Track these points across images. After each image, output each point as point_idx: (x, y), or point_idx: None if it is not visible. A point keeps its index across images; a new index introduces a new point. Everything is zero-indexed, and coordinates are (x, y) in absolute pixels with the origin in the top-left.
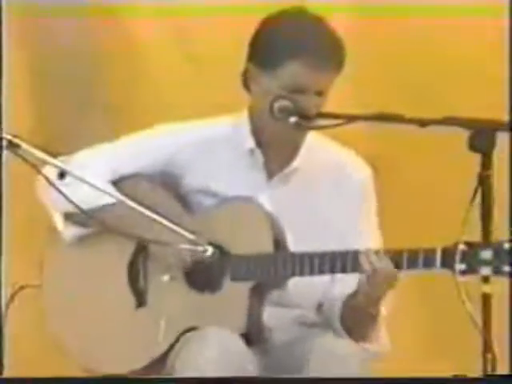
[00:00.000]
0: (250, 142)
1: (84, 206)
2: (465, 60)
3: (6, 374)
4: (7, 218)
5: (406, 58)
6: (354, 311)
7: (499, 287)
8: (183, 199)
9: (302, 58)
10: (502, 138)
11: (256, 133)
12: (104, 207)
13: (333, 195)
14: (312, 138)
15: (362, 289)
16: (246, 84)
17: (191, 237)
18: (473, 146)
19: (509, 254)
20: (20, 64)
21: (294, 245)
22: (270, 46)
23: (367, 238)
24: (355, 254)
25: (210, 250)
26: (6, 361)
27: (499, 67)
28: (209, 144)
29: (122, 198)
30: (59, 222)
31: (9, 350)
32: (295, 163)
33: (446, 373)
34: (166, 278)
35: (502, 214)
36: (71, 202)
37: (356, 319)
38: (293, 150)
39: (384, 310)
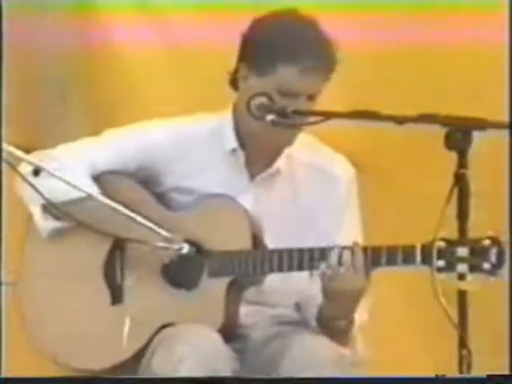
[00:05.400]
0: (233, 142)
1: (60, 199)
2: (463, 60)
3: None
4: (6, 219)
5: (402, 57)
6: (326, 319)
7: (498, 286)
8: (162, 196)
9: (297, 63)
10: (502, 137)
11: (239, 132)
12: (80, 202)
13: (316, 196)
14: (296, 140)
15: (326, 300)
16: (235, 83)
17: (167, 234)
18: (449, 144)
19: (486, 252)
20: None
21: (276, 245)
22: (263, 48)
23: (350, 237)
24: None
25: (185, 248)
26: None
27: (499, 68)
28: (191, 142)
29: (97, 194)
30: (37, 215)
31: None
32: (277, 164)
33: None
34: (141, 275)
35: (502, 213)
36: (45, 198)
37: (329, 325)
38: (276, 150)
39: (362, 316)
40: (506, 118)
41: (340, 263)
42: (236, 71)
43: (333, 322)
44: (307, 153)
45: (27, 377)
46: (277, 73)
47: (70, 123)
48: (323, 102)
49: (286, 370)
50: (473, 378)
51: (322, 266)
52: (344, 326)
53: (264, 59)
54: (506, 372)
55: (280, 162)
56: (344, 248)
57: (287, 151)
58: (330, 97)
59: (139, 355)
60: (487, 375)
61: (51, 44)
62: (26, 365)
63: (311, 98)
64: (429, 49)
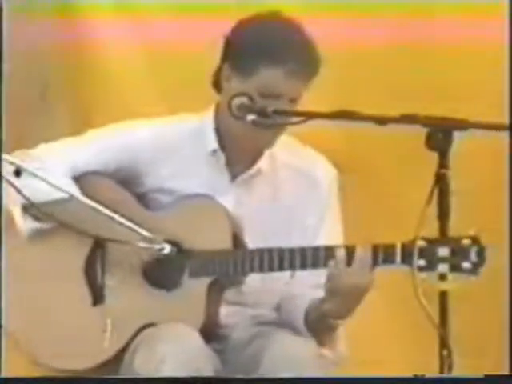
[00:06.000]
0: (213, 143)
1: (42, 200)
2: (463, 60)
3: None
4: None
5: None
6: (321, 318)
7: (480, 287)
8: (143, 197)
9: (282, 65)
10: (502, 137)
11: (220, 133)
12: (61, 202)
13: (298, 197)
14: (278, 140)
15: (330, 298)
16: (217, 83)
17: (148, 235)
18: (430, 145)
19: (467, 251)
20: None
21: (257, 245)
22: (247, 49)
23: (332, 238)
24: (315, 251)
25: (167, 248)
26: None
27: (499, 68)
28: (173, 142)
29: (78, 194)
30: (17, 215)
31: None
32: (259, 165)
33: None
34: (122, 275)
35: (502, 212)
36: (26, 198)
37: (321, 326)
38: (257, 151)
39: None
40: (505, 118)
41: (349, 261)
42: (219, 71)
43: (328, 320)
44: (289, 154)
45: (27, 377)
46: (260, 74)
47: (51, 123)
48: (305, 102)
49: (266, 370)
50: (472, 378)
51: (331, 263)
52: (335, 326)
53: (247, 60)
54: (506, 372)
55: (261, 163)
56: (329, 248)
57: (269, 151)
58: (312, 97)
59: (121, 355)
60: (485, 375)
61: (32, 43)
62: (25, 365)
63: (293, 100)
64: (428, 48)
